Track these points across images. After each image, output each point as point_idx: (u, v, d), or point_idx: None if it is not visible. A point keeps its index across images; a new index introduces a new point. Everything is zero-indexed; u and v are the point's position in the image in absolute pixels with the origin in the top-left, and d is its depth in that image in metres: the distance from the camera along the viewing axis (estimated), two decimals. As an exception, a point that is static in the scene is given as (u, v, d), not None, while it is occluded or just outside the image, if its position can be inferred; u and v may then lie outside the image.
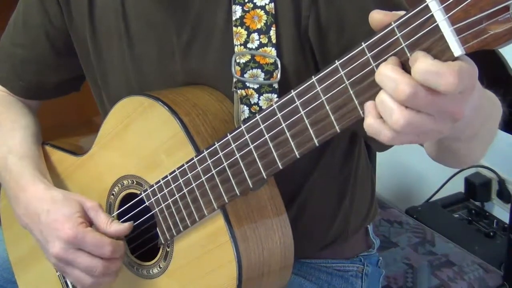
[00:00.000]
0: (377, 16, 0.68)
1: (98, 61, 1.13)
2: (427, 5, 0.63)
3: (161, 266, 1.02)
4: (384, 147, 0.81)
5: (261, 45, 0.94)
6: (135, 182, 1.02)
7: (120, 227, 1.00)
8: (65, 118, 2.07)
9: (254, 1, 0.94)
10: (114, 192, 1.06)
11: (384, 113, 0.66)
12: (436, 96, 0.63)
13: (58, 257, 1.00)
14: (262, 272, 0.95)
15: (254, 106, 0.95)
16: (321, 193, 1.12)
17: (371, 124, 0.68)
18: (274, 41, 0.94)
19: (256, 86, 0.95)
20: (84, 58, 1.16)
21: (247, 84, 0.95)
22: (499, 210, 1.98)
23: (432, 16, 0.63)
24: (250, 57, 0.94)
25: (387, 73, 0.65)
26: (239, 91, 0.95)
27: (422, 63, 0.63)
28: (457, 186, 2.04)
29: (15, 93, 1.25)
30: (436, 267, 1.42)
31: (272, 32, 0.94)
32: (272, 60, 0.94)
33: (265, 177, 0.84)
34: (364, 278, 1.21)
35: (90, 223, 1.01)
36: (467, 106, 0.66)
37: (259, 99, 0.95)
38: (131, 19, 1.06)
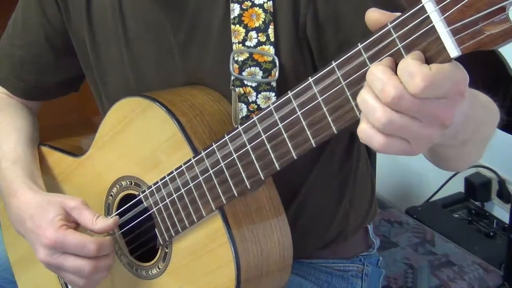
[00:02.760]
0: (373, 15, 0.67)
1: (96, 61, 1.13)
2: (423, 6, 0.63)
3: (160, 267, 1.02)
4: None
5: (259, 43, 0.94)
6: (133, 183, 1.02)
7: (107, 222, 0.99)
8: (65, 118, 2.07)
9: None
10: (112, 193, 1.06)
11: (367, 112, 0.66)
12: (421, 100, 0.63)
13: (46, 263, 1.00)
14: (261, 272, 0.95)
15: (252, 104, 0.95)
16: (320, 193, 1.12)
17: (364, 129, 0.67)
18: (272, 39, 0.94)
19: (254, 84, 0.95)
20: (83, 58, 1.16)
21: (245, 82, 0.95)
22: (499, 210, 1.98)
23: (428, 17, 0.62)
24: (248, 55, 0.94)
25: (376, 73, 0.65)
26: (237, 89, 0.95)
27: (402, 61, 0.63)
28: (457, 186, 2.03)
29: (15, 94, 1.25)
30: (436, 267, 1.42)
31: (271, 30, 0.94)
32: (270, 58, 0.94)
33: (262, 178, 0.84)
34: (364, 278, 1.20)
35: (75, 223, 1.01)
36: (456, 112, 0.65)
37: (257, 97, 0.95)
38: (128, 18, 1.06)
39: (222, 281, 0.93)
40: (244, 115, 0.95)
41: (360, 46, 0.68)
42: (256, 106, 0.95)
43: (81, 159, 1.12)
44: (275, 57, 0.94)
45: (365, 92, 0.66)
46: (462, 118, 0.69)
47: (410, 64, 0.63)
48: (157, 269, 1.02)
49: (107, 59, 1.11)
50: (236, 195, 0.88)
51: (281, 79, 0.94)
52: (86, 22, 1.10)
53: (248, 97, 0.95)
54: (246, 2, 0.94)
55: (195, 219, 0.93)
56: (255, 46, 0.94)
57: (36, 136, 1.21)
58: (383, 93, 0.64)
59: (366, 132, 0.67)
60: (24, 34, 1.19)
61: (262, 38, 0.94)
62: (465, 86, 0.65)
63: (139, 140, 1.00)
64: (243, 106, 0.95)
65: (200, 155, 0.90)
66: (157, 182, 0.97)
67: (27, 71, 1.22)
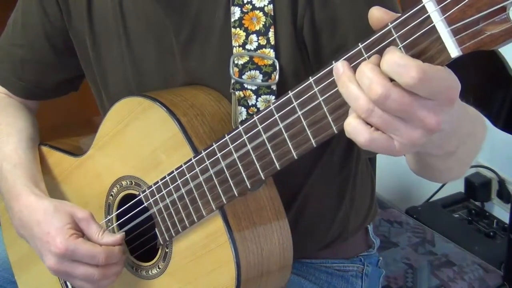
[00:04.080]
0: (377, 14, 0.67)
1: (97, 62, 1.13)
2: (423, 6, 0.63)
3: (160, 266, 1.02)
4: (370, 152, 0.81)
5: (260, 47, 0.94)
6: (133, 183, 1.02)
7: (112, 238, 0.99)
8: (65, 118, 2.07)
9: (253, 3, 0.94)
10: (113, 193, 1.06)
11: (349, 98, 0.67)
12: (408, 100, 0.63)
13: (54, 270, 1.00)
14: (261, 272, 0.95)
15: (252, 107, 0.95)
16: (321, 193, 1.12)
17: (350, 122, 0.67)
18: (272, 42, 0.94)
19: (254, 88, 0.95)
20: (84, 58, 1.16)
21: (245, 86, 0.95)
22: (499, 210, 1.98)
23: (429, 16, 0.62)
24: (248, 59, 0.94)
25: (365, 70, 0.65)
26: (237, 93, 0.95)
27: (390, 54, 0.63)
28: (457, 186, 2.04)
29: (15, 93, 1.25)
30: (436, 267, 1.42)
31: (271, 34, 0.94)
32: (270, 62, 0.94)
33: (263, 178, 0.84)
34: (364, 278, 1.21)
35: (82, 233, 1.01)
36: (443, 118, 0.65)
37: (257, 101, 0.95)
38: (129, 19, 1.06)
39: (222, 281, 0.93)
40: (243, 118, 0.95)
41: (360, 45, 0.68)
42: (256, 110, 0.95)
43: (81, 159, 1.12)
44: (276, 61, 0.94)
45: (352, 84, 0.66)
46: (449, 129, 0.69)
47: (401, 57, 0.63)
48: (157, 269, 1.02)
49: (107, 59, 1.11)
50: (236, 195, 0.88)
51: (281, 82, 0.94)
52: (87, 22, 1.10)
53: (248, 101, 0.95)
54: (246, 5, 0.94)
55: (195, 219, 0.93)
56: (256, 50, 0.94)
57: (36, 137, 1.21)
58: (370, 90, 0.64)
59: (352, 126, 0.67)
60: (24, 33, 1.19)
61: (263, 42, 0.94)
62: (456, 94, 0.65)
63: (140, 140, 1.00)
64: (243, 109, 0.95)
65: (201, 155, 0.90)
66: (157, 182, 0.97)
67: (28, 71, 1.22)
